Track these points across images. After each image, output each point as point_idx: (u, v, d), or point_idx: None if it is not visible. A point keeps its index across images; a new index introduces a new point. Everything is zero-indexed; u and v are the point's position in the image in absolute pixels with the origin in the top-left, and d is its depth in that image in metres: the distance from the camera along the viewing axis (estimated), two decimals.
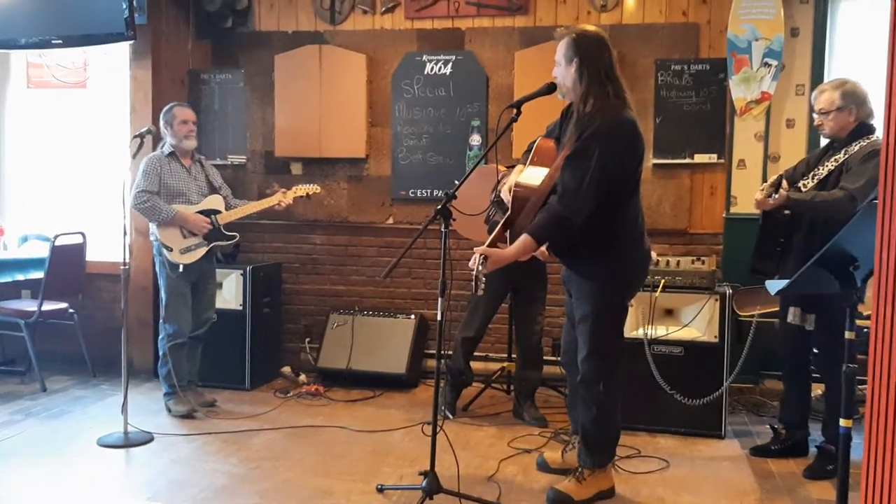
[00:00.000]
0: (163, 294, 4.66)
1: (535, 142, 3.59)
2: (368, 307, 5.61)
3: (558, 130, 3.54)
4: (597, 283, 3.33)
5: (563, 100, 3.39)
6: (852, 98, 3.69)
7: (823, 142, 3.94)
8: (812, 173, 3.80)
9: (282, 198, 4.77)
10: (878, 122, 3.70)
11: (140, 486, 3.64)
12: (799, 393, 4.03)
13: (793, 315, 3.84)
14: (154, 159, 4.59)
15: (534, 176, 3.39)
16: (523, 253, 3.22)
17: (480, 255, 3.11)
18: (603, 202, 3.16)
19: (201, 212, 4.64)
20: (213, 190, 4.78)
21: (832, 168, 3.71)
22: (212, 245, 4.67)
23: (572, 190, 3.17)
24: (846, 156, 3.68)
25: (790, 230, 3.80)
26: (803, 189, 3.77)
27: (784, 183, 3.77)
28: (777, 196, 3.67)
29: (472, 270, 3.09)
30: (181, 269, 4.57)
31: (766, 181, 4.95)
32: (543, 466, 3.82)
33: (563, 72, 3.28)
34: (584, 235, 3.21)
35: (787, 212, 3.79)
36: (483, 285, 3.09)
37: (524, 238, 3.20)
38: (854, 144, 3.68)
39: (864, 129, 3.70)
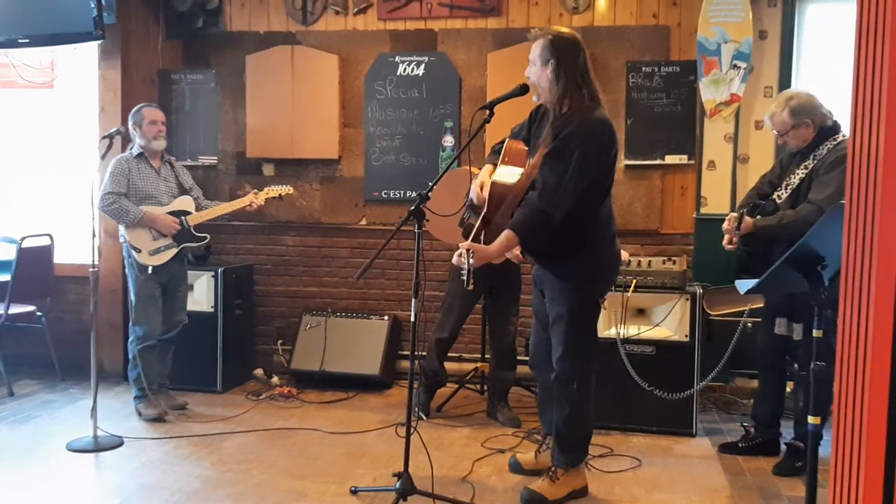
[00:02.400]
0: (132, 296, 4.62)
1: (501, 143, 3.60)
2: (341, 308, 5.59)
3: (526, 132, 3.56)
4: (572, 282, 3.36)
5: (537, 101, 3.41)
6: (802, 112, 3.72)
7: None
8: (785, 183, 3.83)
9: (253, 199, 4.75)
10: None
11: (110, 490, 3.60)
12: (774, 390, 4.07)
13: (779, 325, 3.87)
14: (122, 161, 4.55)
15: (509, 174, 3.41)
16: (506, 249, 3.23)
17: (468, 249, 3.11)
18: (581, 199, 3.18)
19: (171, 213, 4.60)
20: (184, 191, 4.74)
21: (803, 176, 3.75)
22: (182, 246, 4.63)
23: (552, 185, 3.19)
24: (815, 161, 3.72)
25: (771, 243, 3.80)
26: (779, 200, 3.80)
27: (746, 218, 3.77)
28: (743, 226, 3.71)
29: (462, 267, 3.08)
30: (150, 271, 4.53)
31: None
32: (516, 468, 3.83)
33: (539, 73, 3.29)
34: (559, 236, 3.23)
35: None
36: (473, 279, 3.09)
37: (506, 234, 3.21)
38: (822, 148, 3.73)
39: (828, 132, 3.74)
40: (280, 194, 4.81)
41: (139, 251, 4.52)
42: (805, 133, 3.75)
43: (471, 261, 3.06)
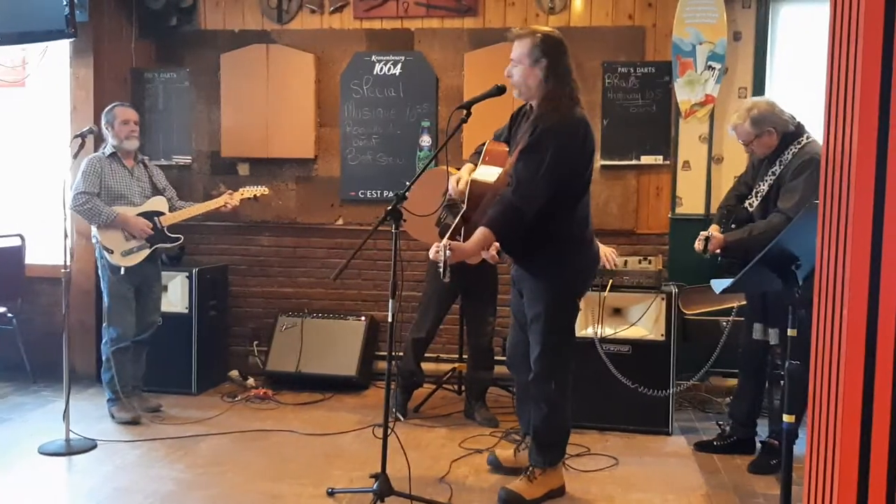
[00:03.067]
0: (105, 297, 4.56)
1: (483, 144, 3.61)
2: (318, 309, 5.56)
3: (507, 133, 3.57)
4: (550, 281, 3.36)
5: (519, 99, 3.41)
6: (764, 121, 3.76)
7: None
8: (755, 190, 3.87)
9: (228, 199, 4.70)
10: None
11: (84, 494, 3.55)
12: (753, 390, 4.08)
13: (756, 331, 3.90)
14: (95, 160, 4.49)
15: (489, 174, 3.42)
16: (481, 246, 3.22)
17: (445, 246, 3.09)
18: (556, 197, 3.19)
19: (144, 214, 4.55)
20: (157, 191, 4.69)
21: (771, 182, 3.79)
22: (155, 247, 4.58)
23: (526, 180, 3.20)
24: (782, 166, 3.77)
25: (747, 252, 3.82)
26: (751, 209, 3.84)
27: (715, 236, 3.83)
28: (712, 245, 3.76)
29: (439, 261, 3.07)
30: (123, 272, 4.48)
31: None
32: (495, 464, 3.83)
33: (526, 72, 3.29)
34: (537, 235, 3.24)
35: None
36: (449, 275, 3.08)
37: (481, 231, 3.20)
38: (787, 153, 3.77)
39: (791, 137, 3.78)
40: (255, 195, 4.77)
41: (111, 252, 4.47)
42: (769, 140, 3.80)
43: (448, 253, 3.06)
